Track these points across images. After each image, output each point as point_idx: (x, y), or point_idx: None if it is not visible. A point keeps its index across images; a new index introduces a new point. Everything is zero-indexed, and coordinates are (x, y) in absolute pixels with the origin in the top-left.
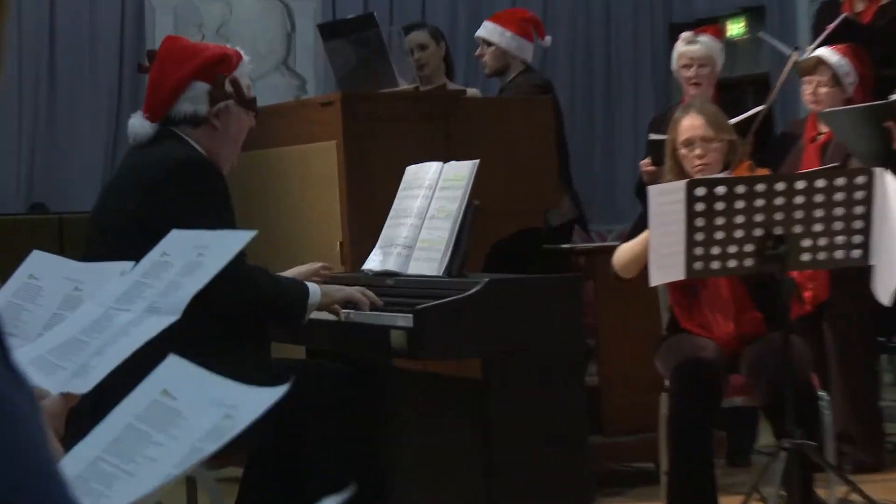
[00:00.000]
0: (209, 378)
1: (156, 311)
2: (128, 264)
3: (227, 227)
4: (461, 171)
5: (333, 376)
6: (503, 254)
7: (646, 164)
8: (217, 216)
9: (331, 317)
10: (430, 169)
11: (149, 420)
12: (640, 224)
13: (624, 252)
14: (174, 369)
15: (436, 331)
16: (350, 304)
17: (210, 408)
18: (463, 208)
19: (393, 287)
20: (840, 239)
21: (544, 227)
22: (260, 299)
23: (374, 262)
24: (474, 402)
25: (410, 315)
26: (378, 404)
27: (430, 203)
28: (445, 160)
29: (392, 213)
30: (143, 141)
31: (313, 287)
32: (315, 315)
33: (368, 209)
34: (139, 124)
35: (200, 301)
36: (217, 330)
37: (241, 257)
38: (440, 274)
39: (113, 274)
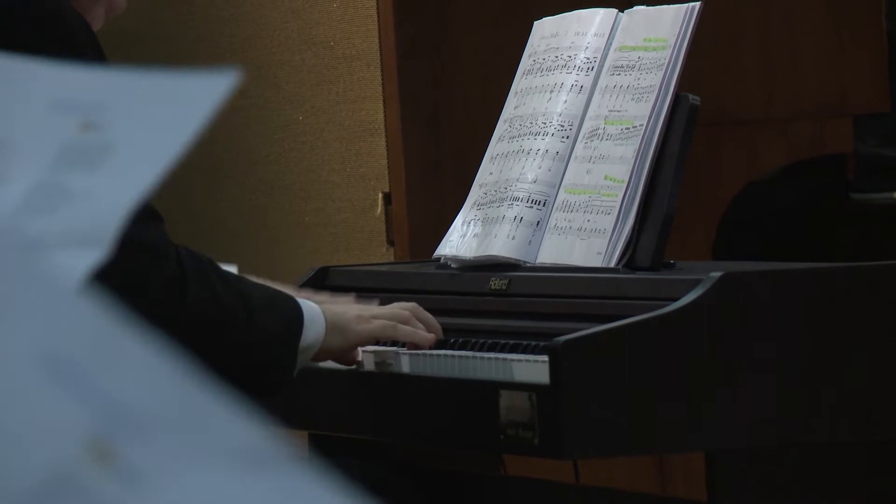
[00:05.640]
0: None
1: None
2: None
3: None
4: (660, 28)
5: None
6: (757, 215)
7: None
8: None
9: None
10: (590, 22)
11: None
12: None
13: None
14: None
15: (602, 391)
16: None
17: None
18: (665, 112)
19: (504, 294)
20: None
21: (853, 157)
22: (228, 341)
23: (460, 242)
24: None
25: (545, 357)
26: None
27: (587, 101)
28: (621, 7)
29: (500, 127)
30: None
31: (310, 307)
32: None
33: (448, 122)
34: None
35: None
36: None
37: (154, 236)
38: (613, 263)
39: None
